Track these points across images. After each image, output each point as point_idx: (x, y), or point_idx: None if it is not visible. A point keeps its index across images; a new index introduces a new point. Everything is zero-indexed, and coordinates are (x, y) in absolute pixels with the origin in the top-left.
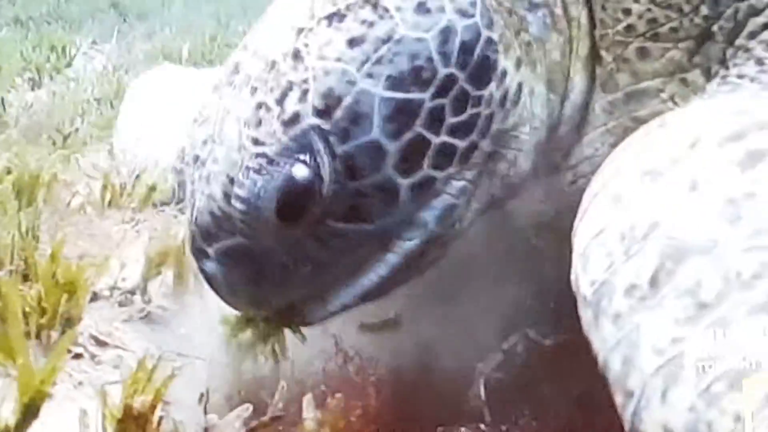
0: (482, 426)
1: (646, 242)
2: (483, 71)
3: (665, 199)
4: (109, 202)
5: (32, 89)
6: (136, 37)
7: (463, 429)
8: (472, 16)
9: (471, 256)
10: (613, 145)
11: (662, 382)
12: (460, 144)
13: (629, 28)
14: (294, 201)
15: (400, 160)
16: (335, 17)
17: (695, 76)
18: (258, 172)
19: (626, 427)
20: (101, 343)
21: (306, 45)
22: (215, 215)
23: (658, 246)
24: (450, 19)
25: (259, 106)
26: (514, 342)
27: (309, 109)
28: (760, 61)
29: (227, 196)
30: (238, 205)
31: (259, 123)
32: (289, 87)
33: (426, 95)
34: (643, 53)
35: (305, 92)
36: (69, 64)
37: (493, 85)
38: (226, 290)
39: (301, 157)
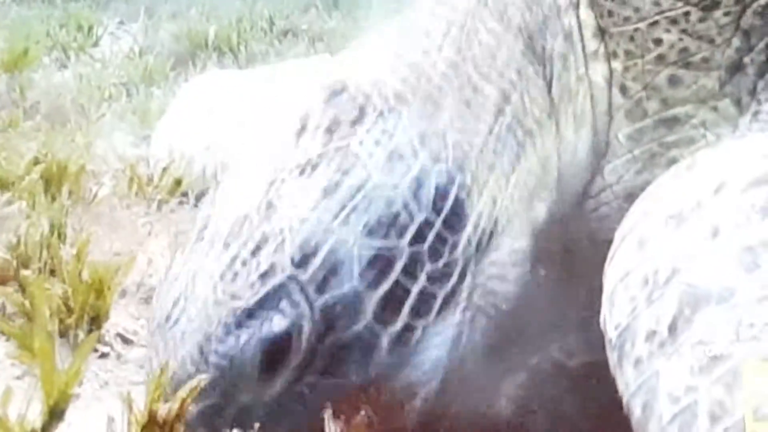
0: None
1: (666, 288)
2: (457, 215)
3: (687, 245)
4: (136, 194)
5: (59, 69)
6: (162, 18)
7: None
8: (445, 161)
9: None
10: (639, 172)
11: (678, 431)
12: (439, 291)
13: (660, 57)
14: (276, 354)
15: (380, 310)
16: (307, 166)
17: (726, 104)
18: (238, 326)
19: None
20: (127, 342)
21: (279, 196)
22: (191, 376)
23: (677, 292)
24: (423, 165)
25: (233, 259)
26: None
27: (286, 260)
28: None
29: (203, 354)
30: (217, 362)
31: (235, 276)
32: (264, 239)
33: (403, 243)
34: (674, 81)
35: (281, 243)
36: (96, 44)
37: (469, 229)
38: None
39: (281, 308)
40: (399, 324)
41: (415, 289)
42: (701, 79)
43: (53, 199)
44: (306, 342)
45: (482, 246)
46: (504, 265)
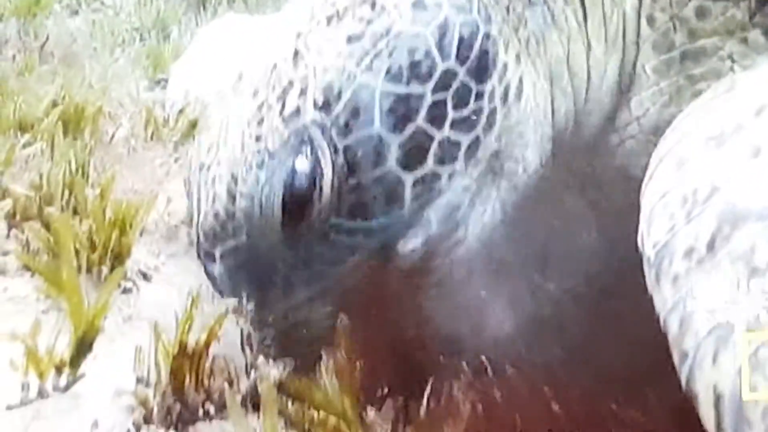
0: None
1: (706, 206)
2: (483, 66)
3: (727, 165)
4: (152, 135)
5: (70, 16)
6: None
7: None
8: (470, 11)
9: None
10: (665, 105)
11: (714, 345)
12: (464, 139)
13: None
14: (297, 195)
15: (403, 155)
16: (334, 18)
17: (756, 35)
18: (260, 167)
19: (682, 385)
20: (149, 278)
21: (305, 45)
22: (219, 217)
23: (717, 210)
24: (447, 15)
25: (261, 105)
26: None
27: (309, 103)
28: None
29: (231, 195)
30: (242, 202)
31: (261, 121)
32: (290, 84)
33: (426, 89)
34: (702, 12)
35: (305, 88)
36: None
37: (494, 80)
38: (230, 292)
39: (303, 150)
40: (424, 169)
41: (438, 136)
42: (730, 10)
43: (74, 139)
44: (329, 183)
45: (509, 98)
46: (529, 135)
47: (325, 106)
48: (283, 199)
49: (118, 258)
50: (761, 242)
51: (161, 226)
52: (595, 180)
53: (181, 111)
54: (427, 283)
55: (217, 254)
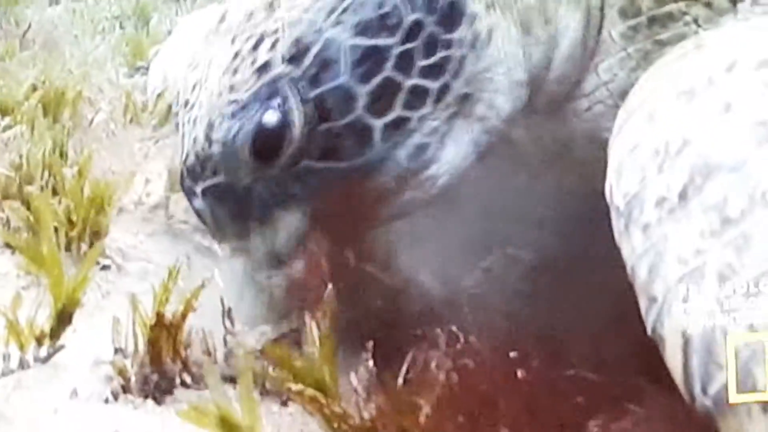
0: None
1: (678, 158)
2: (451, 15)
3: (699, 119)
4: (131, 120)
5: (50, 5)
6: None
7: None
8: None
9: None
10: (633, 70)
11: (684, 290)
12: (432, 85)
13: None
14: (267, 144)
15: (372, 102)
16: None
17: (719, 0)
18: (232, 117)
19: (648, 331)
20: (127, 256)
21: None
22: (199, 156)
23: (689, 162)
24: None
25: (236, 55)
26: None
27: (278, 57)
28: None
29: (208, 139)
30: (216, 148)
31: (235, 71)
32: (261, 37)
33: (394, 40)
34: None
35: (276, 41)
36: None
37: (463, 28)
38: (213, 226)
39: (272, 102)
40: (392, 114)
41: (407, 83)
42: None
43: (55, 121)
44: (298, 132)
45: (477, 45)
46: (499, 80)
47: (294, 60)
48: (253, 148)
49: (96, 236)
50: (733, 193)
51: (139, 206)
52: (563, 142)
53: (159, 95)
54: (399, 218)
55: (198, 190)
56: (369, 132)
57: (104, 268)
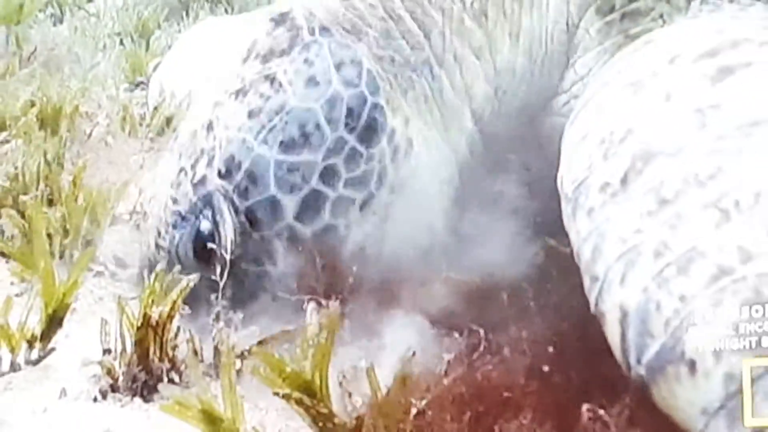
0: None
1: (621, 146)
2: (371, 132)
3: (642, 109)
4: (129, 132)
5: (54, 24)
6: None
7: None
8: (358, 85)
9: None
10: (606, 62)
11: (622, 268)
12: (358, 195)
13: None
14: (202, 252)
15: (300, 211)
16: (240, 92)
17: None
18: (175, 227)
19: (591, 308)
20: (120, 263)
21: (217, 117)
22: (151, 262)
23: (631, 149)
24: (336, 89)
25: (180, 170)
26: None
27: (214, 172)
28: None
29: (157, 247)
30: (163, 254)
31: (179, 185)
32: (201, 154)
33: (318, 157)
34: None
35: (212, 158)
36: None
37: (383, 143)
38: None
39: (206, 213)
40: (320, 223)
41: (332, 195)
42: None
43: (53, 134)
44: (231, 240)
45: (398, 157)
46: (425, 183)
47: (227, 175)
48: (194, 252)
49: (90, 244)
50: (670, 176)
51: (134, 216)
52: (539, 141)
53: (156, 108)
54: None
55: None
56: (300, 239)
57: (98, 274)
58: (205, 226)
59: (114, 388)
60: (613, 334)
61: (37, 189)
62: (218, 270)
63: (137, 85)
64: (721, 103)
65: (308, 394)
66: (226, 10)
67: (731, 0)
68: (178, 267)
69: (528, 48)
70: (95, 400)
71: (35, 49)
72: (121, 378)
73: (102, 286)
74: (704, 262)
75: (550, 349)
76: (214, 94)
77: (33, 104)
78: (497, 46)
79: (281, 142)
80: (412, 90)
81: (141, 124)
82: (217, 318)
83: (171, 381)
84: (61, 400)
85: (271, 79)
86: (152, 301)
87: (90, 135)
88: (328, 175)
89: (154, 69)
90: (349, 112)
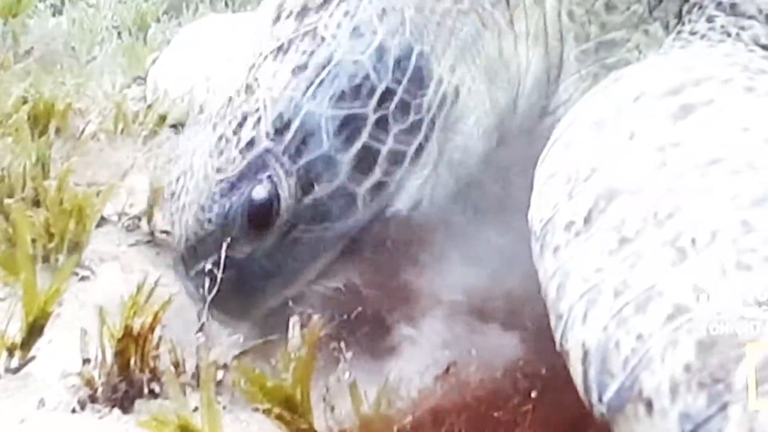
0: None
1: (586, 185)
2: (419, 81)
3: (606, 147)
4: (122, 130)
5: (53, 15)
6: None
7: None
8: (403, 33)
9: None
10: (585, 91)
11: (584, 306)
12: (408, 148)
13: None
14: (258, 219)
15: (353, 169)
16: (279, 51)
17: (656, 28)
18: (222, 196)
19: (557, 346)
20: (107, 267)
21: (256, 79)
22: (191, 241)
23: (595, 188)
24: (382, 39)
25: (220, 138)
26: None
27: (262, 134)
28: (710, 19)
29: (200, 222)
30: (210, 227)
31: (221, 153)
32: (244, 118)
33: (368, 109)
34: (609, 6)
35: (258, 120)
36: None
37: (430, 92)
38: (213, 305)
39: (259, 178)
40: (372, 180)
41: (384, 149)
42: (633, 5)
43: (41, 135)
44: (286, 205)
45: (445, 107)
46: (470, 130)
47: (277, 135)
48: (245, 224)
49: (76, 247)
50: (631, 215)
51: (123, 217)
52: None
53: (150, 106)
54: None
55: (194, 273)
56: (353, 198)
57: (83, 279)
58: (260, 190)
59: (93, 399)
60: (576, 372)
61: (23, 191)
62: (270, 238)
63: (134, 80)
64: (682, 142)
65: (289, 409)
66: (226, 4)
67: (702, 36)
68: (226, 242)
69: (542, 55)
70: (73, 411)
71: (32, 48)
72: (100, 389)
73: (87, 291)
74: (661, 301)
75: (543, 370)
76: (245, 59)
77: (25, 101)
78: (519, 42)
79: (331, 97)
80: (456, 38)
81: (134, 122)
82: (201, 329)
83: (151, 392)
84: (39, 411)
85: (313, 35)
86: (134, 312)
87: (82, 133)
88: (379, 127)
89: (152, 64)
90: (397, 61)
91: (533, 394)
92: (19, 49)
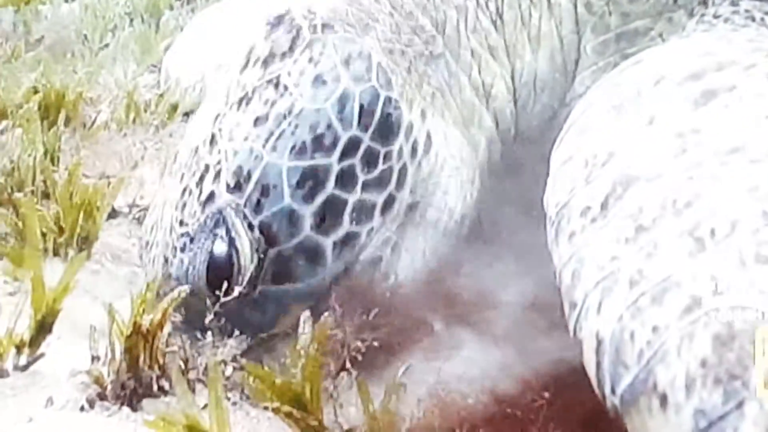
0: None
1: (603, 170)
2: (387, 128)
3: (624, 132)
4: (133, 120)
5: (66, 1)
6: None
7: None
8: (368, 80)
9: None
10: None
11: (600, 295)
12: (378, 198)
13: None
14: (219, 273)
15: (318, 221)
16: (243, 100)
17: (680, 15)
18: (183, 250)
19: (570, 334)
20: (118, 260)
21: (219, 129)
22: (160, 295)
23: (612, 174)
24: (346, 87)
25: (184, 190)
26: None
27: (222, 187)
28: (734, 2)
29: (166, 276)
30: (173, 283)
31: (184, 206)
32: (206, 169)
33: (332, 159)
34: None
35: (218, 172)
36: None
37: (401, 139)
38: None
39: (218, 232)
40: (341, 231)
41: (351, 199)
42: None
43: (51, 125)
44: (247, 258)
45: (417, 154)
46: (443, 182)
47: (237, 188)
48: (206, 279)
49: (86, 240)
50: (648, 202)
51: (134, 209)
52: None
53: (161, 95)
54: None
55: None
56: (321, 250)
57: (93, 273)
58: (219, 246)
59: (102, 397)
60: (589, 362)
61: (33, 183)
62: (235, 293)
63: (147, 68)
64: (702, 128)
65: (298, 407)
66: None
67: (726, 20)
68: (189, 297)
69: (549, 55)
70: (82, 409)
71: (42, 37)
72: (109, 386)
73: (98, 286)
74: (678, 293)
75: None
76: (213, 108)
77: (36, 91)
78: (517, 50)
79: (292, 148)
80: (427, 84)
81: (146, 111)
82: (209, 327)
83: (161, 389)
84: (47, 409)
85: (275, 83)
86: (143, 309)
87: (93, 123)
88: (345, 178)
89: (165, 51)
90: (362, 108)
91: (546, 394)
92: (30, 37)
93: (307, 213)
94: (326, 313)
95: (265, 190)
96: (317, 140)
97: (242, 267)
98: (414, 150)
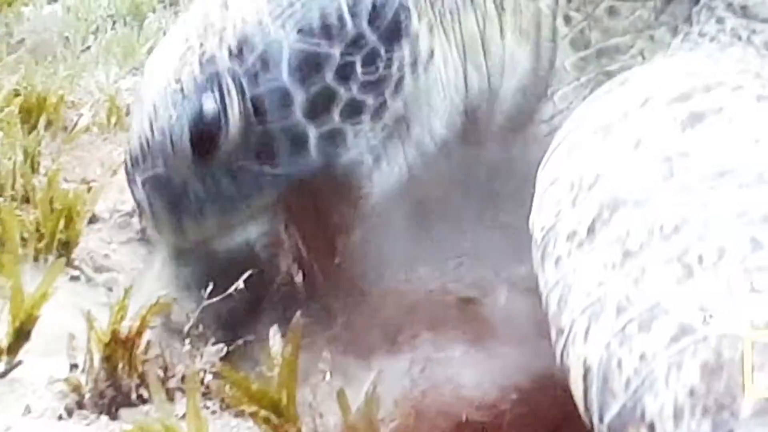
0: None
1: (590, 193)
2: (394, 33)
3: (611, 154)
4: (115, 124)
5: (48, 2)
6: None
7: None
8: None
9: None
10: (586, 98)
11: (586, 322)
12: (371, 101)
13: None
14: (204, 133)
15: (309, 109)
16: None
17: (662, 33)
18: (174, 105)
19: (557, 361)
20: (97, 266)
21: None
22: (142, 146)
23: (599, 197)
24: None
25: (187, 48)
26: None
27: (225, 51)
28: (720, 20)
29: (151, 127)
30: (157, 135)
31: (184, 64)
32: (212, 30)
33: (336, 49)
34: (612, 11)
35: (223, 36)
36: None
37: (405, 48)
38: (150, 218)
39: (212, 93)
40: (329, 124)
41: (345, 95)
42: (638, 10)
43: (32, 129)
44: (236, 125)
45: (418, 67)
46: (437, 105)
47: (239, 55)
48: (190, 136)
49: (66, 246)
50: (635, 227)
51: (115, 215)
52: (513, 167)
53: None
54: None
55: (139, 180)
56: (305, 138)
57: (73, 279)
58: (209, 106)
59: (80, 405)
60: (576, 389)
61: (12, 188)
62: (215, 160)
63: (129, 71)
64: (690, 151)
65: (275, 413)
66: None
67: (711, 39)
68: (170, 153)
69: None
70: (60, 417)
71: (23, 39)
72: (88, 395)
73: (77, 292)
74: (666, 320)
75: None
76: None
77: (17, 94)
78: (506, 34)
79: (300, 30)
80: (440, 2)
81: (128, 115)
82: (188, 335)
83: (140, 397)
84: (25, 418)
85: None
86: (121, 316)
87: (74, 127)
88: (344, 72)
89: (148, 54)
90: (375, 7)
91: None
92: (11, 39)
93: (301, 98)
94: (297, 314)
95: (264, 65)
96: (326, 28)
97: (228, 132)
98: (415, 62)
